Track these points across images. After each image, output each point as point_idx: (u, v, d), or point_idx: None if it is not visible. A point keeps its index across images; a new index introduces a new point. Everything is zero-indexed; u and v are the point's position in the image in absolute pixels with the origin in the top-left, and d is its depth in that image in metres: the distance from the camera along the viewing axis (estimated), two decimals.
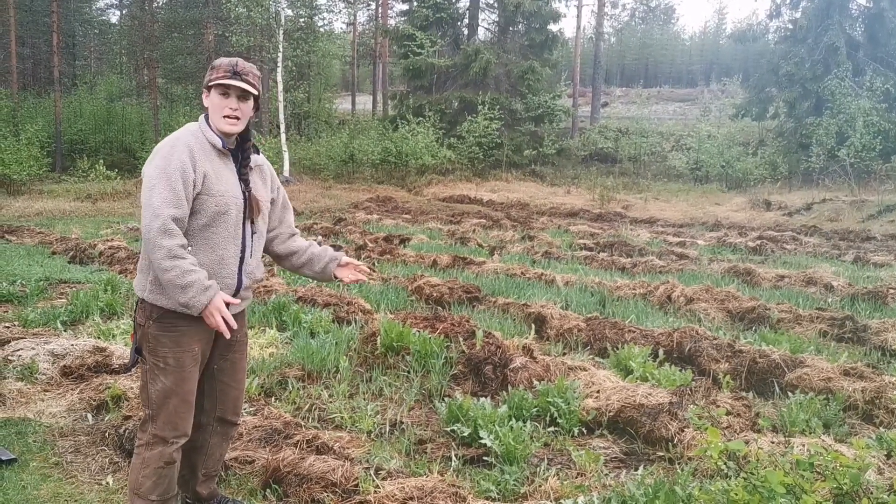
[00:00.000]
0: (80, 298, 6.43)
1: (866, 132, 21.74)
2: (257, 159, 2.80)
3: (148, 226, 2.42)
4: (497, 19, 32.67)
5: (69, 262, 9.69)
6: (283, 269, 3.14)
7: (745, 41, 35.71)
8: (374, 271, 3.13)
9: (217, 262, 2.60)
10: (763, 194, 21.64)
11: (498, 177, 27.55)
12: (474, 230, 14.28)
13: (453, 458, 3.57)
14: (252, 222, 2.72)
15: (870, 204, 18.16)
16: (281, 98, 24.60)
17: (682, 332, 5.47)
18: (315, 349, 4.93)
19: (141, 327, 2.63)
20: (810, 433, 3.82)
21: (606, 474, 3.39)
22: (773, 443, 3.49)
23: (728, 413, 3.99)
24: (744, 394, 4.54)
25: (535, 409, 4.02)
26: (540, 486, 3.18)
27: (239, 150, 2.72)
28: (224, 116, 2.60)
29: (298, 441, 3.54)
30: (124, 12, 47.14)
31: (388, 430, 3.96)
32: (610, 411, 4.02)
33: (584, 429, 3.96)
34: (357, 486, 3.04)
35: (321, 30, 33.33)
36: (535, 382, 4.32)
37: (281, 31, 24.16)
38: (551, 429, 3.94)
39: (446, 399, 4.21)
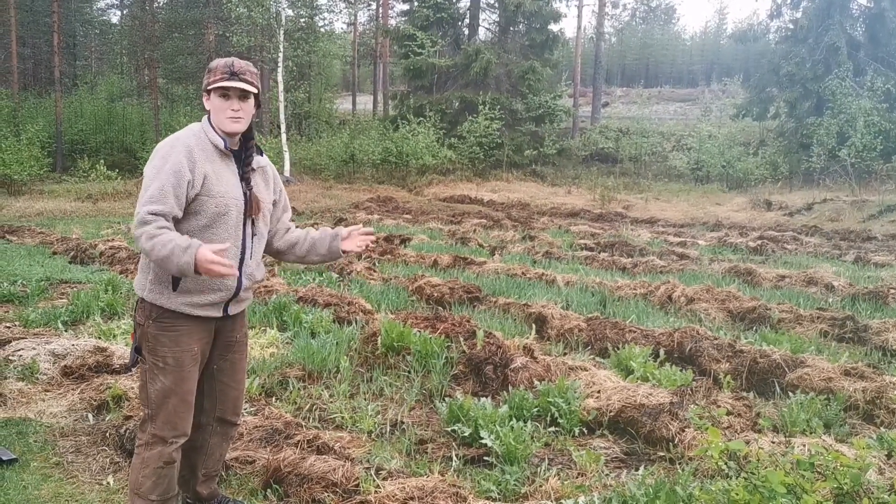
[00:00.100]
0: (81, 298, 6.43)
1: (867, 132, 21.73)
2: (260, 160, 2.79)
3: (133, 224, 2.43)
4: (498, 19, 32.70)
5: (70, 263, 9.70)
6: (289, 262, 3.12)
7: (746, 41, 35.71)
8: (373, 233, 3.11)
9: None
10: (764, 194, 21.64)
11: (499, 177, 27.56)
12: (475, 230, 14.28)
13: (454, 458, 3.57)
14: (252, 223, 2.72)
15: (870, 204, 18.16)
16: (281, 98, 24.61)
17: (683, 332, 5.47)
18: (316, 349, 4.93)
19: (141, 327, 2.63)
20: (811, 433, 3.82)
21: (607, 474, 3.39)
22: (773, 443, 3.49)
23: (729, 413, 3.98)
24: (744, 394, 4.54)
25: (536, 409, 4.02)
26: (540, 486, 3.18)
27: (242, 150, 2.72)
28: (227, 118, 2.61)
29: (299, 441, 3.54)
30: (125, 12, 47.20)
31: (388, 430, 3.96)
32: (611, 411, 4.02)
33: (584, 429, 3.96)
34: (358, 486, 3.04)
35: (322, 30, 33.35)
36: (536, 382, 4.32)
37: (281, 31, 24.17)
38: (552, 429, 3.93)
39: (447, 399, 4.21)
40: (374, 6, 48.41)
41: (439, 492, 2.92)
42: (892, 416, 4.15)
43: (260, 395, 4.35)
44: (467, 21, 32.76)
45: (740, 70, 47.82)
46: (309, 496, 3.03)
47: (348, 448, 3.61)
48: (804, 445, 3.37)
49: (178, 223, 2.52)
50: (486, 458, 3.54)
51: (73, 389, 4.42)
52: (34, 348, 4.96)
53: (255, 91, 2.64)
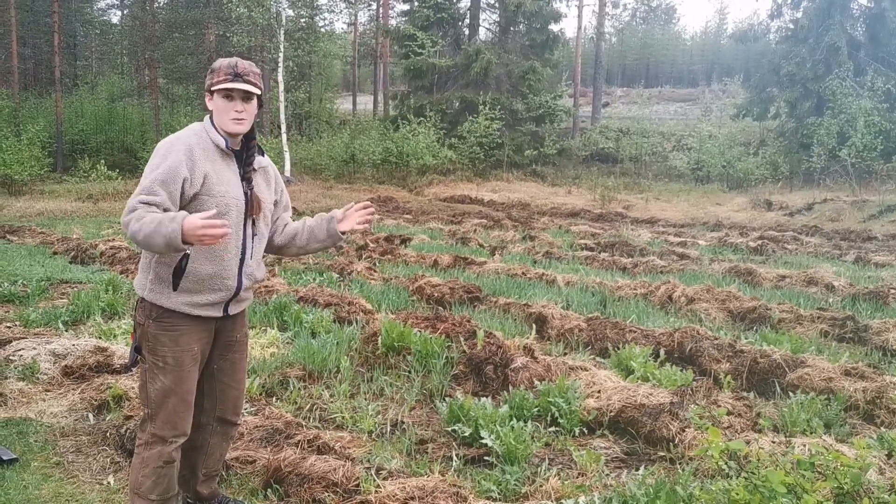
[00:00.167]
0: (82, 298, 6.43)
1: (867, 132, 21.73)
2: (262, 161, 2.79)
3: (123, 213, 2.43)
4: (498, 19, 32.70)
5: (70, 263, 9.70)
6: (293, 255, 3.10)
7: (747, 41, 35.72)
8: (370, 207, 3.06)
9: (217, 263, 2.60)
10: (764, 194, 21.64)
11: (499, 177, 27.57)
12: (475, 230, 14.29)
13: (454, 457, 3.57)
14: (253, 223, 2.72)
15: (871, 204, 18.16)
16: (282, 98, 24.61)
17: (683, 332, 5.47)
18: (316, 349, 4.93)
19: (141, 326, 2.64)
20: (811, 433, 3.82)
21: (607, 474, 3.39)
22: (774, 443, 3.49)
23: (729, 413, 3.98)
24: (745, 394, 4.54)
25: (536, 409, 4.02)
26: (541, 486, 3.18)
27: (243, 150, 2.72)
28: (230, 119, 2.61)
29: (299, 441, 3.54)
30: (125, 12, 47.23)
31: (389, 430, 3.96)
32: (611, 411, 4.02)
33: (585, 429, 3.96)
34: (358, 485, 3.04)
35: (322, 30, 33.34)
36: (536, 382, 4.32)
37: (282, 32, 24.18)
38: (552, 429, 3.93)
39: (447, 399, 4.21)
40: (374, 6, 48.46)
41: (440, 492, 2.92)
42: (893, 416, 4.15)
43: (260, 394, 4.35)
44: (468, 21, 32.77)
45: (741, 70, 47.82)
46: (309, 496, 3.03)
47: (349, 448, 3.62)
48: (804, 445, 3.37)
49: None
50: (486, 457, 3.54)
51: (73, 389, 4.43)
52: (35, 348, 4.96)
53: (259, 93, 2.65)
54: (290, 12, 28.00)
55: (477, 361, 4.65)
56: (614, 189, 23.66)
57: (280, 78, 24.40)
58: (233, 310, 2.74)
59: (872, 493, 2.77)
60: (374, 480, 3.06)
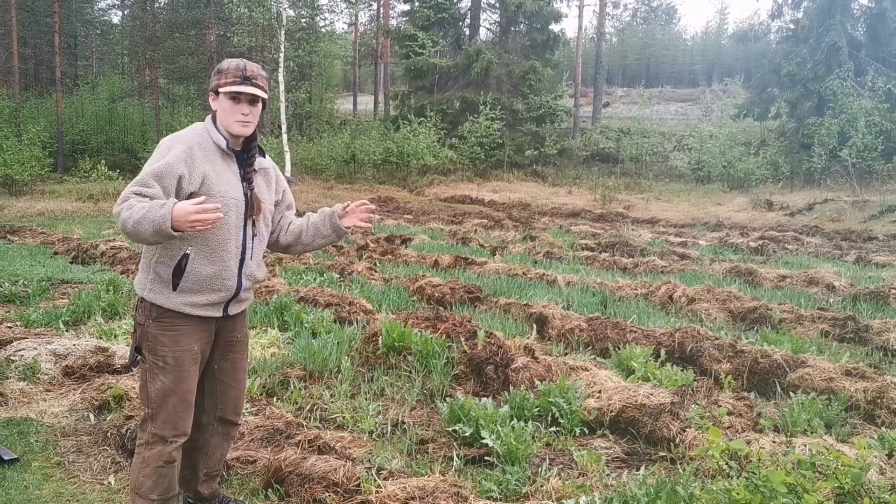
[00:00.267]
0: (82, 298, 6.44)
1: (868, 132, 21.73)
2: (263, 162, 2.79)
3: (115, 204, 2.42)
4: (498, 19, 32.70)
5: (71, 263, 9.71)
6: (299, 253, 3.09)
7: (747, 41, 35.74)
8: (369, 205, 3.05)
9: (217, 263, 2.60)
10: (765, 194, 21.64)
11: (499, 177, 27.58)
12: (476, 230, 14.29)
13: (455, 458, 3.57)
14: (253, 224, 2.72)
15: (872, 204, 18.15)
16: (283, 98, 24.62)
17: (684, 333, 5.47)
18: (317, 349, 4.93)
19: (141, 326, 2.64)
20: (812, 433, 3.82)
21: (608, 474, 3.38)
22: (774, 443, 3.49)
23: (730, 413, 3.98)
24: (745, 394, 4.53)
25: (537, 410, 4.02)
26: (541, 486, 3.18)
27: (244, 151, 2.72)
28: (236, 121, 2.61)
29: (300, 441, 3.54)
30: (126, 12, 47.24)
31: (389, 430, 3.96)
32: (612, 411, 4.01)
33: (585, 429, 3.96)
34: (359, 485, 3.04)
35: (323, 30, 33.32)
36: (537, 382, 4.32)
37: (282, 32, 24.19)
38: (553, 429, 3.93)
39: (448, 399, 4.21)
40: (374, 6, 48.46)
41: (440, 492, 2.92)
42: (893, 416, 4.15)
43: (261, 394, 4.35)
44: (468, 21, 32.77)
45: (741, 70, 47.83)
46: (310, 496, 3.03)
47: (349, 448, 3.62)
48: (805, 445, 3.37)
49: None
50: (487, 458, 3.54)
51: (74, 389, 4.43)
52: (35, 348, 4.96)
53: (266, 96, 2.65)
54: (291, 12, 28.03)
55: (478, 361, 4.65)
56: (615, 189, 23.65)
57: (281, 78, 24.40)
58: (233, 310, 2.74)
59: (873, 493, 2.77)
60: (375, 480, 3.07)
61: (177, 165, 2.48)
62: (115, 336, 5.64)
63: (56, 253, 10.51)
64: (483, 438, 3.60)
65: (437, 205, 21.21)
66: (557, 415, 3.98)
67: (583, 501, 2.97)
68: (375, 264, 9.40)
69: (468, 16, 32.70)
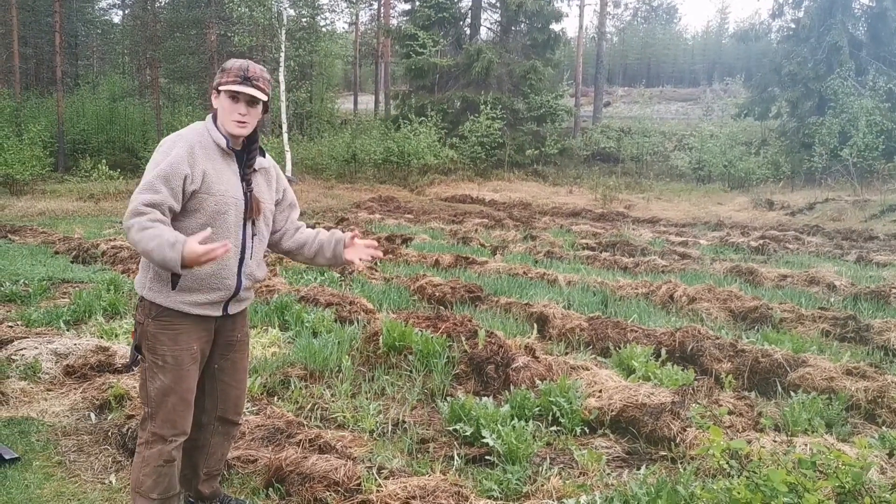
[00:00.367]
0: (83, 298, 6.44)
1: (869, 132, 21.71)
2: (263, 162, 2.79)
3: (126, 212, 2.43)
4: (499, 19, 32.70)
5: (72, 262, 9.71)
6: (298, 262, 3.10)
7: (748, 40, 35.64)
8: (378, 247, 3.07)
9: (216, 262, 2.59)
10: (766, 194, 21.63)
11: (500, 176, 27.57)
12: (476, 230, 14.28)
13: (456, 457, 3.57)
14: (253, 224, 2.72)
15: (872, 203, 18.14)
16: (283, 98, 24.62)
17: (685, 332, 5.47)
18: (317, 349, 4.93)
19: (141, 325, 2.64)
20: (813, 432, 3.82)
21: (609, 474, 3.38)
22: (775, 442, 3.49)
23: (730, 412, 3.98)
24: (746, 393, 4.54)
25: (538, 409, 4.02)
26: (542, 485, 3.18)
27: (244, 151, 2.72)
28: (233, 121, 2.61)
29: (301, 440, 3.54)
30: (127, 12, 47.25)
31: (390, 429, 3.96)
32: (612, 411, 4.01)
33: (586, 428, 3.96)
34: (359, 485, 3.04)
35: (323, 30, 33.34)
36: (538, 382, 4.32)
37: (283, 31, 24.19)
38: (553, 428, 3.93)
39: (449, 398, 4.21)
40: (375, 6, 48.42)
41: (441, 491, 2.92)
42: (894, 416, 4.15)
43: (262, 394, 4.35)
44: (469, 21, 32.76)
45: (742, 69, 47.76)
46: (311, 495, 3.03)
47: (350, 447, 3.62)
48: (806, 445, 3.37)
49: (177, 221, 2.52)
50: (487, 457, 3.55)
51: (75, 389, 4.43)
52: (36, 348, 4.96)
53: (266, 99, 2.65)
54: (292, 12, 28.07)
55: (478, 361, 4.65)
56: (615, 189, 23.65)
57: (281, 77, 24.40)
58: (232, 309, 2.74)
59: (874, 492, 2.77)
60: (376, 480, 3.07)
61: (181, 165, 2.48)
62: (116, 335, 5.65)
63: (57, 252, 10.52)
64: (484, 438, 3.60)
65: (438, 204, 21.21)
66: (558, 414, 3.98)
67: (583, 501, 2.97)
68: (376, 264, 9.40)
69: (469, 15, 32.69)
